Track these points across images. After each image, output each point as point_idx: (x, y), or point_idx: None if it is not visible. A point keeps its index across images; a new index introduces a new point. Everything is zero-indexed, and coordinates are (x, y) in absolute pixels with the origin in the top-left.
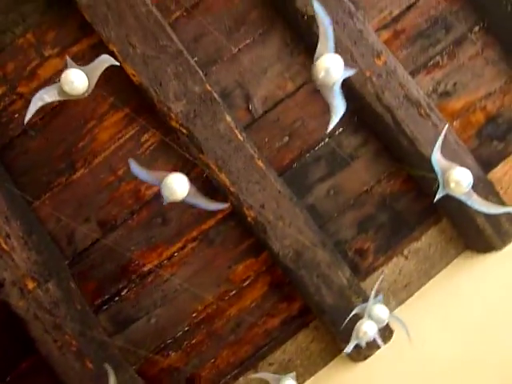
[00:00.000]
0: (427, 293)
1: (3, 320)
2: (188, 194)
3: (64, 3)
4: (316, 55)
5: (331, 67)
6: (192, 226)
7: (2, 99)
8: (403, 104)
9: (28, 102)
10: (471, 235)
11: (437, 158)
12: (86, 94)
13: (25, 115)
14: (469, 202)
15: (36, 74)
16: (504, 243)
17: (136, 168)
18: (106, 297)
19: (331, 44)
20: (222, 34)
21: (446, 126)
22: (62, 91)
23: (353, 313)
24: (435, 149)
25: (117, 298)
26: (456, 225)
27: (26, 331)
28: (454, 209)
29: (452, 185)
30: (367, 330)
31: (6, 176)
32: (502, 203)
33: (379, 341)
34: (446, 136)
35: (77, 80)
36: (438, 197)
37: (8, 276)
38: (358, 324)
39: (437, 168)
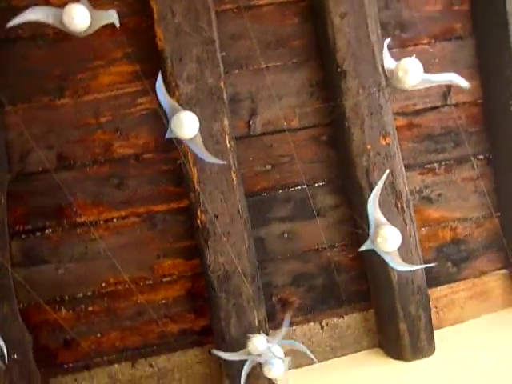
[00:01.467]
0: (324, 369)
1: None
2: (193, 137)
3: None
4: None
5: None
6: (143, 202)
7: None
8: (386, 189)
9: None
10: (389, 337)
11: (372, 211)
12: (81, 35)
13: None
14: (389, 260)
15: None
16: (414, 357)
17: (161, 85)
18: (29, 227)
19: None
20: (259, 45)
21: (387, 172)
22: (60, 20)
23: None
24: (372, 197)
25: (38, 234)
26: (380, 321)
27: None
28: (385, 306)
29: (379, 240)
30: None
31: None
32: (429, 320)
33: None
34: (409, 235)
35: (78, 17)
36: (363, 248)
37: None
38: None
39: (371, 219)
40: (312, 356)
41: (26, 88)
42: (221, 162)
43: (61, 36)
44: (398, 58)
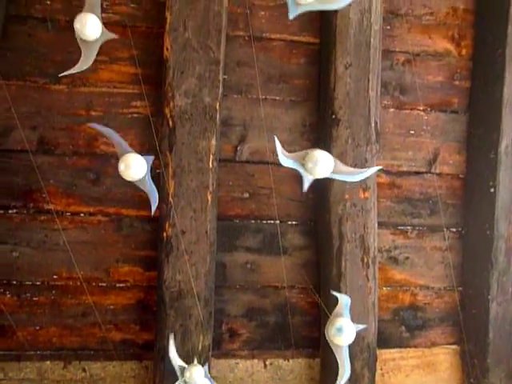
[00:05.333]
0: None
1: None
2: (140, 179)
3: None
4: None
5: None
6: (114, 203)
7: None
8: (355, 241)
9: None
10: None
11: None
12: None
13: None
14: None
15: None
16: None
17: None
18: None
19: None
20: (261, 76)
21: None
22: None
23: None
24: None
25: (1, 211)
26: (324, 372)
27: None
28: (331, 358)
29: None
30: None
31: None
32: (373, 381)
33: None
34: (368, 293)
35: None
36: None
37: None
38: None
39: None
40: None
41: (24, 66)
42: (154, 209)
43: (70, 24)
44: (392, 118)
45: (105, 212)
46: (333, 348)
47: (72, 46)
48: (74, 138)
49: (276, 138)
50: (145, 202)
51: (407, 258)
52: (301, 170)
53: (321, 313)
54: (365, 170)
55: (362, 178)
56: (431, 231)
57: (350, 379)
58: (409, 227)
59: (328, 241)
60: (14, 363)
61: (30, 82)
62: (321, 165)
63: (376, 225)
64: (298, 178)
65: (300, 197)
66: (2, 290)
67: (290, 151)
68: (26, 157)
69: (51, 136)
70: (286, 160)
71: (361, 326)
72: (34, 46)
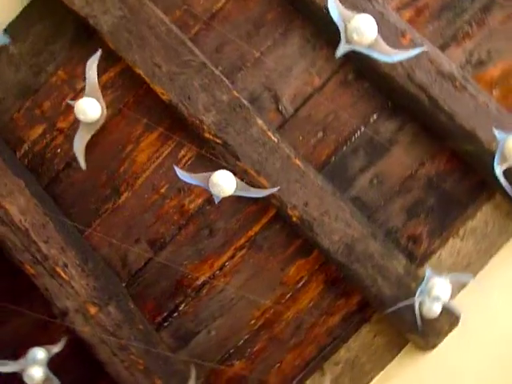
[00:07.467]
0: (490, 272)
1: (73, 347)
2: (236, 188)
3: (88, 36)
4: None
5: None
6: (239, 234)
7: (43, 137)
8: (436, 80)
9: (68, 137)
10: None
11: (334, 5)
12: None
13: (67, 149)
14: (375, 55)
15: (71, 107)
16: None
17: (182, 173)
18: (165, 314)
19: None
20: (242, 40)
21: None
22: (84, 125)
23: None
24: None
25: (175, 314)
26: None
27: (94, 355)
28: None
29: (355, 36)
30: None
31: (57, 208)
32: None
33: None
34: (487, 106)
35: (89, 108)
36: (340, 53)
37: (70, 304)
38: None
39: (336, 17)
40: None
41: (89, 207)
42: (273, 191)
43: (87, 150)
44: None
45: (239, 246)
46: None
47: (104, 159)
48: (168, 220)
49: None
50: (256, 212)
51: (488, 51)
52: None
53: (466, 161)
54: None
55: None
56: (486, 11)
57: None
58: (465, 26)
59: (415, 101)
60: None
61: (103, 213)
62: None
63: (439, 52)
64: (344, 82)
65: (359, 93)
66: (230, 363)
67: (317, 69)
68: (152, 264)
69: (153, 234)
70: None
71: None
72: (82, 187)
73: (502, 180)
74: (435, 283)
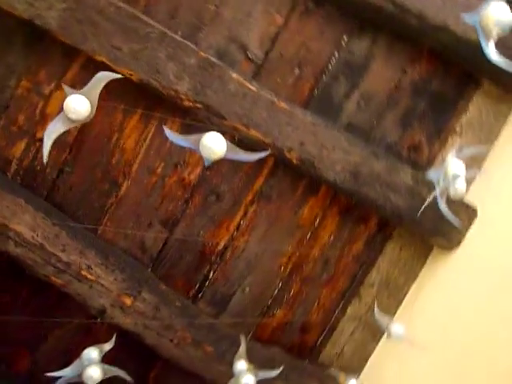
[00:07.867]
0: (496, 157)
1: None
2: (227, 150)
3: (39, 38)
4: None
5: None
6: (245, 191)
7: (28, 151)
8: None
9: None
10: None
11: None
12: (92, 116)
13: (55, 156)
14: None
15: (46, 114)
16: None
17: (172, 135)
18: (197, 285)
19: None
20: None
21: None
22: (68, 120)
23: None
24: None
25: (207, 283)
26: (499, 82)
27: (141, 343)
28: (492, 68)
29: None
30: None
31: (63, 215)
32: None
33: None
34: None
35: (79, 105)
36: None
37: (105, 301)
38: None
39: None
40: None
41: (93, 206)
42: (264, 154)
43: (74, 151)
44: None
45: (248, 202)
46: None
47: (94, 155)
48: (173, 197)
49: None
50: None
51: None
52: None
53: None
54: None
55: None
56: None
57: None
58: None
59: (381, 12)
60: None
61: (109, 208)
62: None
63: None
64: (305, 12)
65: (322, 23)
66: (271, 314)
67: (277, 8)
68: (171, 243)
69: (163, 214)
70: None
71: None
72: (81, 189)
73: (496, 57)
74: (448, 163)
